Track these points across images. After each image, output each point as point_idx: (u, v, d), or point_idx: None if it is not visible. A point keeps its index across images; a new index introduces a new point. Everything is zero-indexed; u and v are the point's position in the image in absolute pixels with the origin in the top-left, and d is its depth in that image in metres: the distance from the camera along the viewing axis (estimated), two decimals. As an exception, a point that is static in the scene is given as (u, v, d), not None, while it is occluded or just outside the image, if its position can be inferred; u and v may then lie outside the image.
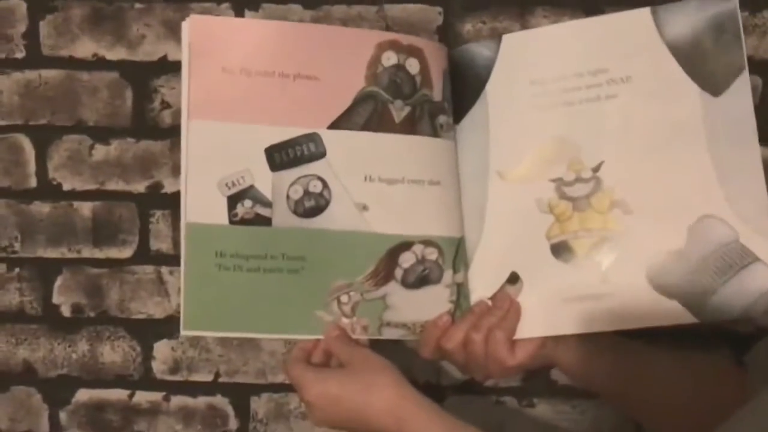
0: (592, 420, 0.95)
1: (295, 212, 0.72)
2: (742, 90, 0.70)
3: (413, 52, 0.74)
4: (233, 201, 0.71)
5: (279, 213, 0.72)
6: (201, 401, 0.97)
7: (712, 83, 0.71)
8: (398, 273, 0.74)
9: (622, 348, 0.75)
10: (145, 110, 0.94)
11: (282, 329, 0.74)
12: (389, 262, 0.73)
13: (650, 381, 0.75)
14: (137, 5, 0.93)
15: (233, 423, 0.97)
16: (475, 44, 0.78)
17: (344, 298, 0.73)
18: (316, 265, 0.72)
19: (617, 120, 0.72)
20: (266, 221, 0.72)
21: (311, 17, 0.92)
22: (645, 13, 0.72)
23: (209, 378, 0.97)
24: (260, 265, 0.71)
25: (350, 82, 0.72)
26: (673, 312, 0.70)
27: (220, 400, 0.97)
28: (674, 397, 0.74)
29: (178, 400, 0.98)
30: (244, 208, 0.71)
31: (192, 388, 0.97)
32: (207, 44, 0.70)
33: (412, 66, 0.74)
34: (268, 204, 0.72)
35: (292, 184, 0.72)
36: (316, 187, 0.72)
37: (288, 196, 0.72)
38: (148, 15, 0.93)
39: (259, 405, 0.97)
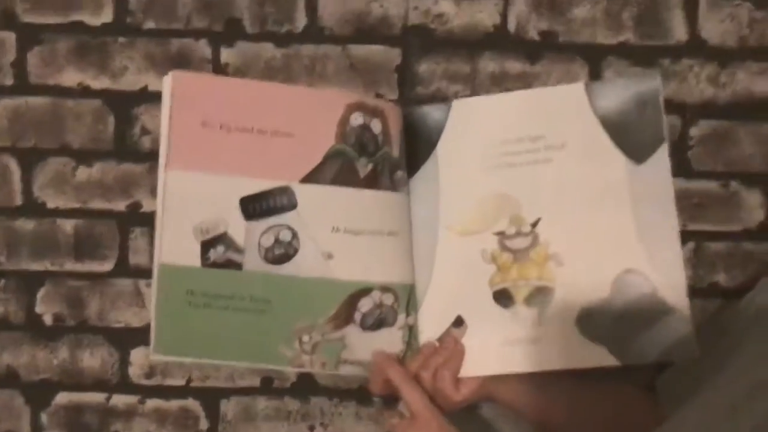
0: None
1: (265, 259, 0.76)
2: (661, 159, 0.77)
3: (377, 112, 0.79)
4: (207, 246, 0.75)
5: (250, 259, 0.75)
6: (174, 404, 1.05)
7: (636, 152, 0.77)
8: (357, 316, 0.78)
9: (549, 383, 0.80)
10: (126, 135, 1.02)
11: (247, 359, 0.79)
12: (350, 306, 0.77)
13: (571, 412, 0.81)
14: (120, 39, 1.01)
15: (204, 424, 1.05)
16: (428, 107, 0.83)
17: (305, 338, 0.77)
18: (281, 307, 0.76)
19: (553, 181, 0.78)
20: (237, 266, 0.75)
21: (282, 55, 1.00)
22: (579, 87, 0.79)
23: (182, 382, 1.04)
24: (228, 305, 0.75)
25: (322, 140, 0.77)
26: (598, 355, 0.76)
27: (192, 403, 1.05)
28: (593, 426, 0.81)
29: (152, 403, 1.05)
30: (217, 252, 0.75)
31: (166, 392, 1.05)
32: (189, 99, 0.74)
33: (376, 126, 0.78)
34: (240, 250, 0.75)
35: (264, 233, 0.76)
36: (286, 236, 0.76)
37: (259, 244, 0.76)
38: (131, 48, 1.01)
39: (228, 407, 1.05)
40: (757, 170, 1.02)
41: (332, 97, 0.79)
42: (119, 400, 1.05)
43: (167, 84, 0.74)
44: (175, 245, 0.74)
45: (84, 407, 1.05)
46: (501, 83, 1.01)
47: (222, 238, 0.75)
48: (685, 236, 0.94)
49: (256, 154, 0.75)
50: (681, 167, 0.83)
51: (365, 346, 0.78)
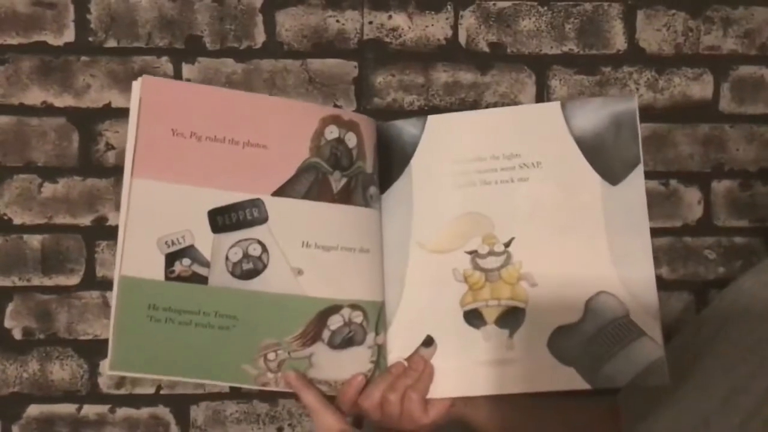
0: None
1: (232, 273, 0.73)
2: (636, 181, 0.75)
3: (352, 126, 0.76)
4: (171, 258, 0.72)
5: (216, 273, 0.73)
6: (144, 412, 1.08)
7: (611, 173, 0.76)
8: (326, 334, 0.75)
9: (515, 404, 0.80)
10: (91, 151, 1.04)
11: (208, 376, 0.76)
12: (318, 324, 0.75)
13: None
14: (83, 58, 1.03)
15: (174, 430, 1.08)
16: (403, 121, 0.81)
17: (271, 356, 0.75)
18: (247, 324, 0.74)
19: (527, 201, 0.77)
20: (203, 280, 0.73)
21: (243, 70, 1.04)
22: (555, 106, 0.77)
23: (152, 390, 1.07)
24: (192, 320, 0.72)
25: (296, 153, 0.74)
26: (569, 378, 0.75)
27: (162, 410, 1.08)
28: None
29: (123, 412, 1.07)
30: (182, 266, 0.72)
31: (135, 400, 1.08)
32: (158, 106, 0.71)
33: (351, 140, 0.76)
34: (206, 264, 0.73)
35: (232, 247, 0.73)
36: (255, 250, 0.73)
37: (227, 258, 0.73)
38: (94, 66, 1.03)
39: (198, 413, 1.08)
40: (695, 169, 1.09)
41: (307, 110, 0.77)
42: (90, 410, 1.07)
43: (136, 89, 0.71)
44: (137, 257, 0.71)
45: (55, 418, 1.07)
46: (454, 93, 1.06)
47: (188, 251, 0.72)
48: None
49: (227, 165, 0.73)
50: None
51: (333, 365, 0.77)
